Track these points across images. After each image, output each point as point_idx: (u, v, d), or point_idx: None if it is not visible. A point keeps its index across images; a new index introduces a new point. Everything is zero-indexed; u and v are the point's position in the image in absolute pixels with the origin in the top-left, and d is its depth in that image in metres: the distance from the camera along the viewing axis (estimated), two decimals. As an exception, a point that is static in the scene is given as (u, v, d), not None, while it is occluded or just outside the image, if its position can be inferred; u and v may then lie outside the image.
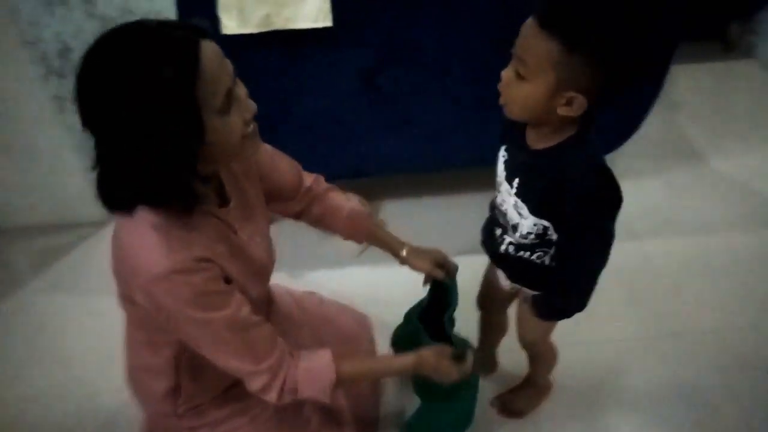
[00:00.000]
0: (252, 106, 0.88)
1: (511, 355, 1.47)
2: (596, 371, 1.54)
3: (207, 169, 0.88)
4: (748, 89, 2.67)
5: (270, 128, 1.62)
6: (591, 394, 1.49)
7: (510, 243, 1.09)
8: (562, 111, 0.87)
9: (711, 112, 2.51)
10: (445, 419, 1.29)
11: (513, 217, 1.04)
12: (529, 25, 0.84)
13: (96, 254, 1.99)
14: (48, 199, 2.04)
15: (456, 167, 1.99)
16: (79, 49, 2.01)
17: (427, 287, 1.26)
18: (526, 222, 1.02)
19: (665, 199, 2.09)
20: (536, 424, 1.45)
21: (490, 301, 1.39)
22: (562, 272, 1.07)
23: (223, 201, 0.99)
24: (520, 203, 1.01)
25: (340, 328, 1.39)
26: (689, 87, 2.60)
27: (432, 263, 1.22)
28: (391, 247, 1.27)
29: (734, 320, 1.64)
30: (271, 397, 0.99)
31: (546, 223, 1.00)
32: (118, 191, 0.84)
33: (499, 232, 1.12)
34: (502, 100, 0.93)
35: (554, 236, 1.02)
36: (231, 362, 0.95)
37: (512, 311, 1.34)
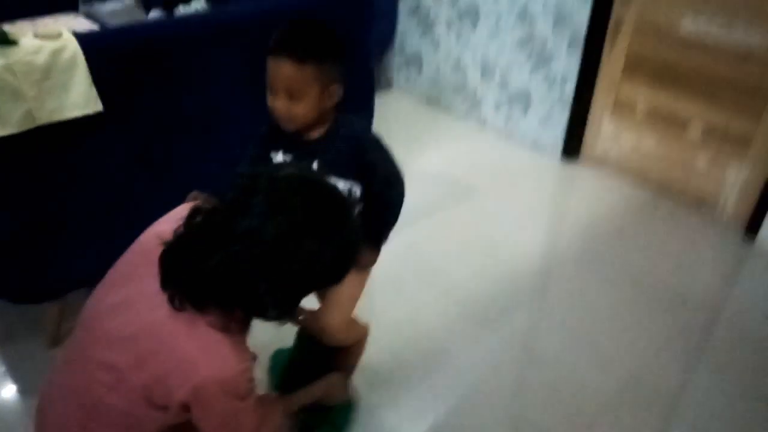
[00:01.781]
0: None
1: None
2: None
3: None
4: (398, 111, 3.43)
5: (44, 231, 1.53)
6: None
7: None
8: (329, 102, 1.21)
9: (384, 133, 3.15)
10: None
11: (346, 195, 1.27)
12: (280, 63, 1.13)
13: None
14: None
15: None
16: None
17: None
18: (339, 185, 1.24)
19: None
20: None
21: None
22: (378, 204, 1.33)
23: None
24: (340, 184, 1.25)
25: None
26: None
27: None
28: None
29: (464, 270, 2.19)
30: None
31: (351, 182, 1.26)
32: (229, 300, 0.90)
33: None
34: (285, 123, 1.20)
35: (357, 192, 1.28)
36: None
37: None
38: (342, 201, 0.98)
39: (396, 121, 3.34)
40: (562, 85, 2.73)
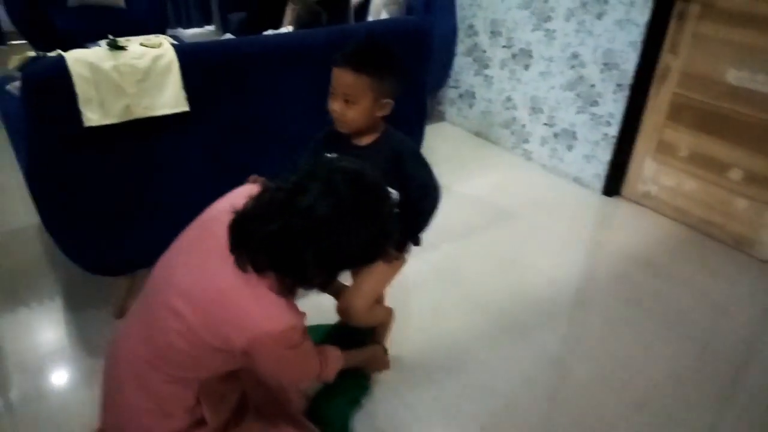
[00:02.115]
0: None
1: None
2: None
3: None
4: (449, 141, 3.63)
5: (127, 211, 1.75)
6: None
7: None
8: (380, 113, 1.41)
9: (434, 159, 3.32)
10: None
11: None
12: (342, 72, 1.35)
13: None
14: None
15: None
16: None
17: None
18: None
19: (440, 215, 2.74)
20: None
21: None
22: (413, 210, 1.47)
23: None
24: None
25: None
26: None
27: None
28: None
29: (496, 286, 2.31)
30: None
31: (389, 188, 1.40)
32: (279, 265, 1.07)
33: None
34: (339, 124, 1.41)
35: (395, 198, 1.42)
36: (292, 376, 1.24)
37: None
38: (383, 194, 1.15)
39: (446, 150, 3.52)
40: (607, 125, 2.85)
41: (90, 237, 1.82)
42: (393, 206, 1.17)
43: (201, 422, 1.19)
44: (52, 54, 1.61)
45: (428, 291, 2.23)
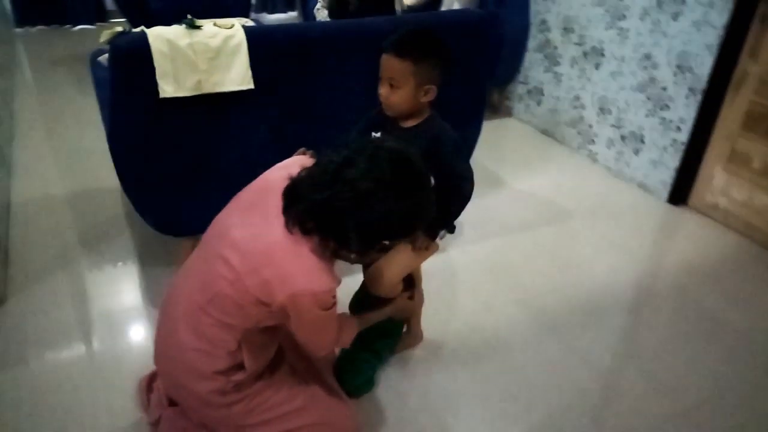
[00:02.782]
0: None
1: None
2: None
3: None
4: (514, 137, 3.63)
5: (195, 177, 1.89)
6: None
7: None
8: (424, 99, 1.47)
9: (498, 154, 3.36)
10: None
11: None
12: (388, 57, 1.43)
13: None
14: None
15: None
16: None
17: None
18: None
19: (495, 210, 2.77)
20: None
21: None
22: (446, 197, 1.49)
23: None
24: None
25: None
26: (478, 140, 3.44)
27: None
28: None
29: (544, 284, 2.31)
30: (323, 355, 1.38)
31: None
32: (323, 229, 1.18)
33: None
34: (385, 107, 1.49)
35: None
36: (315, 340, 1.32)
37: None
38: (422, 175, 1.21)
39: (511, 145, 3.52)
40: (677, 131, 2.76)
41: (160, 200, 2.00)
42: (430, 188, 1.24)
43: (240, 366, 1.31)
44: (137, 30, 1.78)
45: (475, 282, 2.27)
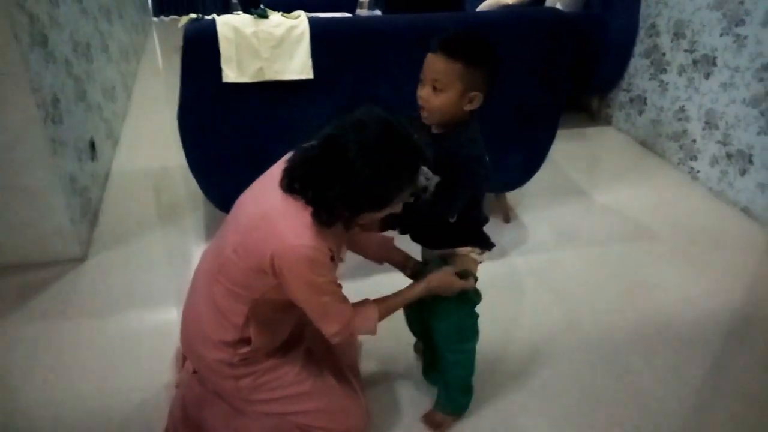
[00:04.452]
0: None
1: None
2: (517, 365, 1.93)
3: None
4: (610, 147, 3.39)
5: (254, 160, 1.96)
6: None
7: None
8: (468, 107, 1.32)
9: (586, 163, 3.16)
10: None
11: (421, 181, 1.37)
12: (434, 57, 1.29)
13: (78, 285, 2.12)
14: (28, 238, 2.15)
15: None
16: (63, 100, 2.24)
17: None
18: (432, 180, 1.37)
19: (567, 222, 2.62)
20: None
21: None
22: (471, 222, 1.46)
23: None
24: (425, 169, 1.37)
25: None
26: (568, 147, 3.26)
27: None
28: (401, 266, 1.59)
29: (625, 303, 2.13)
30: (336, 340, 1.31)
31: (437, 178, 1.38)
32: (307, 191, 1.17)
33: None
34: (423, 113, 1.35)
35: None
36: (316, 314, 1.27)
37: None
38: (406, 144, 1.15)
39: (604, 155, 3.31)
40: (793, 152, 2.44)
41: (222, 180, 2.10)
42: (414, 158, 1.17)
43: (248, 341, 1.34)
44: (209, 17, 1.88)
45: (534, 295, 2.16)
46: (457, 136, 1.36)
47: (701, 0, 2.81)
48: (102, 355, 1.83)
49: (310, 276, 1.20)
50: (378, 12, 2.79)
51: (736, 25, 2.63)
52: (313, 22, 1.90)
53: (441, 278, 1.43)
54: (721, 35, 2.72)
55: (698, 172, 2.95)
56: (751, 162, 2.63)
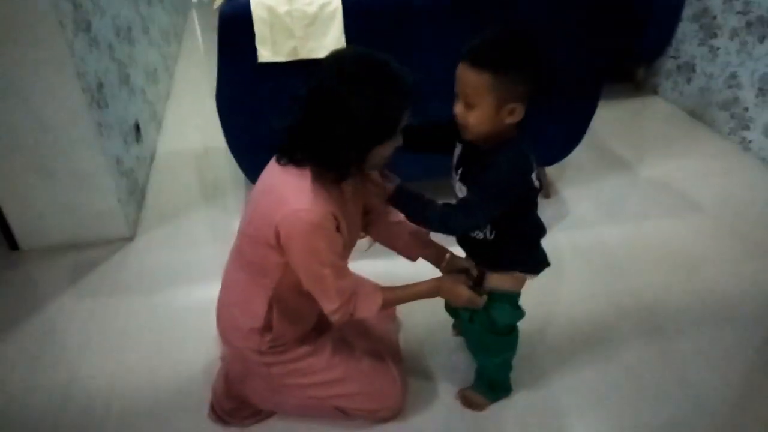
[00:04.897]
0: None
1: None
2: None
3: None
4: (656, 118, 3.27)
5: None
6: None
7: None
8: (508, 120, 1.17)
9: (631, 136, 3.06)
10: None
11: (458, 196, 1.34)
12: (462, 69, 1.15)
13: (127, 264, 2.21)
14: (78, 218, 2.25)
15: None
16: (107, 84, 2.30)
17: None
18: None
19: (610, 197, 2.56)
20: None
21: None
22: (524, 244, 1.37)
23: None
24: (460, 185, 1.32)
25: None
26: (612, 119, 3.15)
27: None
28: (436, 260, 1.54)
29: (670, 280, 2.07)
30: (336, 318, 1.30)
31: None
32: (308, 151, 1.17)
33: None
34: (462, 130, 1.22)
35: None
36: (316, 287, 1.26)
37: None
38: (386, 67, 1.13)
39: (650, 126, 3.20)
40: None
41: (260, 158, 2.12)
42: (398, 78, 1.13)
43: (272, 328, 1.37)
44: (243, -3, 1.89)
45: (574, 270, 2.13)
46: (498, 155, 1.20)
47: (756, -42, 2.65)
48: (150, 330, 1.91)
49: (312, 241, 1.17)
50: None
51: (794, -16, 2.48)
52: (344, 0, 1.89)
53: (451, 286, 1.38)
54: (778, -5, 2.57)
55: (750, 141, 2.82)
56: (808, 130, 2.50)
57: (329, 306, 1.28)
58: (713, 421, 1.58)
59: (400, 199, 1.32)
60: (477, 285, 1.42)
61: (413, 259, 1.57)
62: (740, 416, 1.59)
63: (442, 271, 1.52)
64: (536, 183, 1.26)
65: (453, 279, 1.41)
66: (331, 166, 1.16)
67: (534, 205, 1.34)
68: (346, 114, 1.10)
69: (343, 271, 1.29)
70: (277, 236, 1.18)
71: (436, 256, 1.54)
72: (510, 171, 1.21)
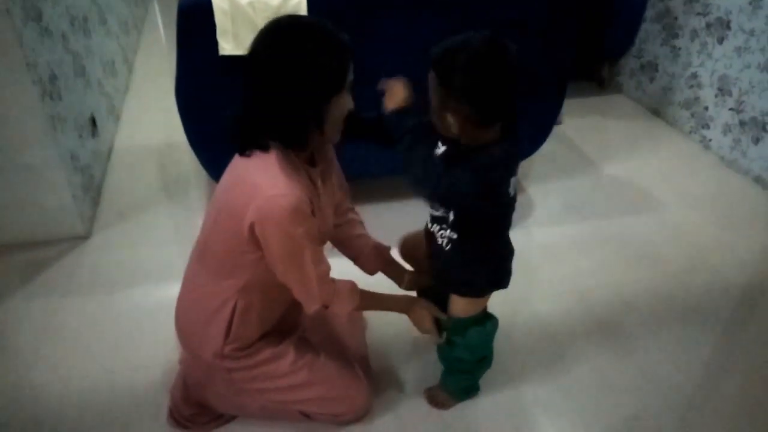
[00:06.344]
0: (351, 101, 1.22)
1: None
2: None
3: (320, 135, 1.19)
4: (620, 116, 3.31)
5: None
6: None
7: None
8: (482, 136, 1.15)
9: (595, 134, 3.10)
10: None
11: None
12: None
13: (82, 263, 2.12)
14: (30, 216, 2.14)
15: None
16: (61, 76, 2.20)
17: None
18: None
19: (575, 193, 2.58)
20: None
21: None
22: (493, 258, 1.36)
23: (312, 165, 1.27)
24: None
25: None
26: (576, 116, 3.19)
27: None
28: (395, 278, 1.58)
29: (633, 276, 2.10)
30: (311, 308, 1.27)
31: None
32: (262, 131, 1.15)
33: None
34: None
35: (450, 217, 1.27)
36: (296, 276, 1.22)
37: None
38: (318, 31, 1.13)
39: (614, 124, 3.24)
40: (808, 119, 2.37)
41: (221, 153, 2.06)
42: (331, 32, 1.14)
43: (233, 332, 1.32)
44: (204, -12, 1.83)
45: (535, 267, 2.13)
46: (476, 158, 1.15)
47: (716, -40, 2.70)
48: (107, 332, 1.84)
49: (290, 227, 1.13)
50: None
51: (753, -13, 2.54)
52: (310, -9, 1.84)
53: (419, 316, 1.46)
54: (736, -3, 2.62)
55: (710, 140, 2.88)
56: (765, 130, 2.56)
57: (309, 294, 1.25)
58: (677, 414, 1.60)
59: (403, 121, 1.25)
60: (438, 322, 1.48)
61: (371, 273, 1.58)
62: (702, 409, 1.61)
63: (404, 289, 1.58)
64: (511, 194, 1.22)
65: (425, 307, 1.47)
66: (290, 134, 1.15)
67: (504, 219, 1.31)
68: (286, 74, 1.08)
69: (321, 257, 1.26)
70: (252, 228, 1.14)
71: (396, 274, 1.58)
72: (484, 176, 1.14)
